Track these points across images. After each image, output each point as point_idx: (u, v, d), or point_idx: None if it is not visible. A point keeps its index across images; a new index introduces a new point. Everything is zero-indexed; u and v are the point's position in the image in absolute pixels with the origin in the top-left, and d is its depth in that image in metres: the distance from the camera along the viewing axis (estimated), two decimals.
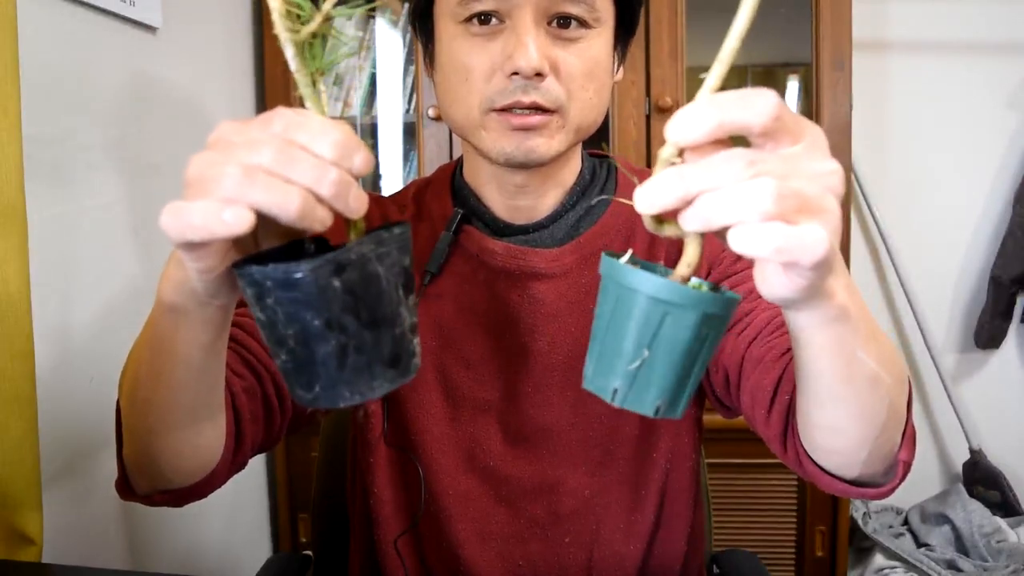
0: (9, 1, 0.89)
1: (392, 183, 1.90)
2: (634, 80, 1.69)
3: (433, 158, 1.73)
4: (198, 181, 0.39)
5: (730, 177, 0.37)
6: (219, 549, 1.58)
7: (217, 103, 1.59)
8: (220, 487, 0.67)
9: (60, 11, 1.08)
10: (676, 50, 1.68)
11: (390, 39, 1.84)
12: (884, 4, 1.95)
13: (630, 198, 0.40)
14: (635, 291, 0.41)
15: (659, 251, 0.83)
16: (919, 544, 1.79)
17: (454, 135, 1.35)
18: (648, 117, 1.71)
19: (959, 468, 2.00)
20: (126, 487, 0.65)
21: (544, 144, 0.74)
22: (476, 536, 0.83)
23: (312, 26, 0.40)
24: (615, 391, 0.43)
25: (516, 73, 0.71)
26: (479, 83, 0.73)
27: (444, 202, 0.85)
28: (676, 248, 0.82)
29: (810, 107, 1.72)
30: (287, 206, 0.38)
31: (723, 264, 0.81)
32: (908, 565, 1.71)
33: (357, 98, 1.84)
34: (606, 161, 0.88)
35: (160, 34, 1.32)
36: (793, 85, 1.91)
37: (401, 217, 0.87)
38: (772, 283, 0.41)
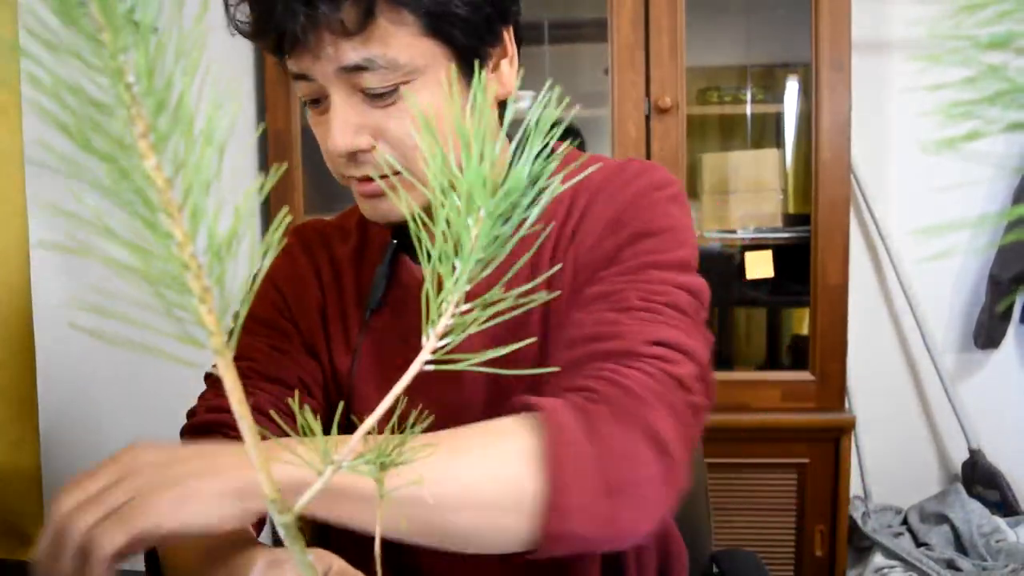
0: (10, 1, 0.89)
1: None
2: (634, 80, 1.69)
3: None
4: None
5: None
6: None
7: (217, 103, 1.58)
8: None
9: None
10: (676, 50, 1.68)
11: None
12: (884, 4, 1.95)
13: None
14: None
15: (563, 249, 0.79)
16: (918, 544, 1.79)
17: None
18: (648, 117, 1.71)
19: (958, 468, 2.00)
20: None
21: (400, 206, 0.70)
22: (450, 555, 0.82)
23: None
24: None
25: None
26: (326, 155, 0.72)
27: (384, 230, 0.84)
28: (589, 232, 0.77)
29: (810, 107, 1.72)
30: None
31: (586, 272, 0.75)
32: (907, 564, 1.71)
33: None
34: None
35: (160, 34, 1.32)
36: (792, 85, 1.91)
37: (344, 248, 0.86)
38: None
